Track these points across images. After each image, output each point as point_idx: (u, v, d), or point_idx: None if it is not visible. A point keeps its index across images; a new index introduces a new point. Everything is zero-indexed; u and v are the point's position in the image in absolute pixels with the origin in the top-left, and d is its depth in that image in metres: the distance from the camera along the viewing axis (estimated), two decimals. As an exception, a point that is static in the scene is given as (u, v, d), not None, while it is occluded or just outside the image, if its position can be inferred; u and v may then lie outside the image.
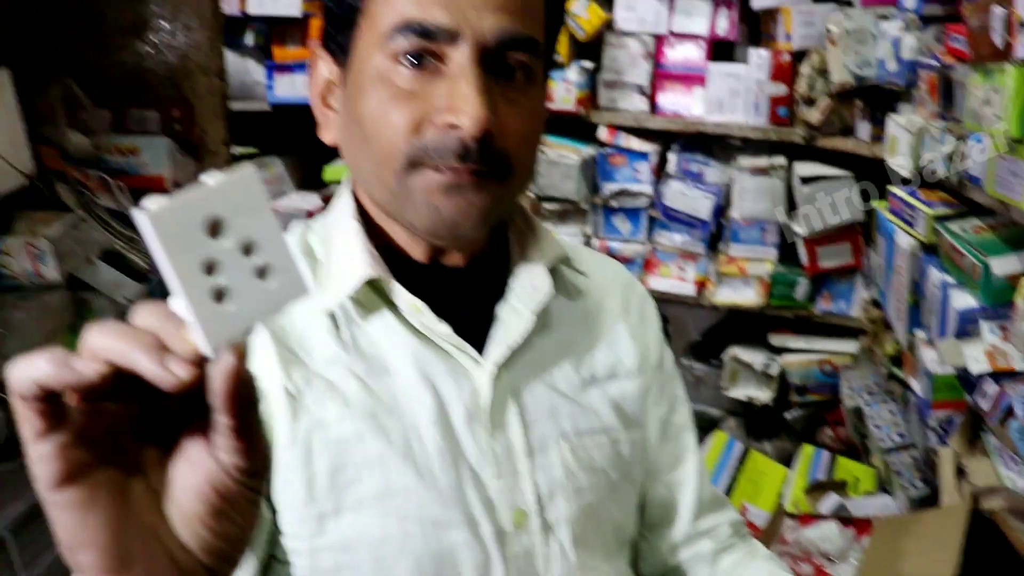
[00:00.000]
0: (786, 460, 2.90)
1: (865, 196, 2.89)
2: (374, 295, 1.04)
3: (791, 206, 3.07)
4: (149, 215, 0.53)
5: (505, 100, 0.98)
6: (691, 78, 3.19)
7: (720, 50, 3.23)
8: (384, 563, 0.99)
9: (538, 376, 1.09)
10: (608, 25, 3.19)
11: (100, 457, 0.59)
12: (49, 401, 0.56)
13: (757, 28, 3.22)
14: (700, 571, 1.23)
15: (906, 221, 2.24)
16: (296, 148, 3.64)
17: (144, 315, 0.58)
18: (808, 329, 3.21)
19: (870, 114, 2.73)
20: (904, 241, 2.24)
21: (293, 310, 0.99)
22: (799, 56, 3.00)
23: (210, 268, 0.55)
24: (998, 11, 1.62)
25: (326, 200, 3.25)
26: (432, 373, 1.03)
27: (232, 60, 2.08)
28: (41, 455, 0.57)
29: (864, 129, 2.76)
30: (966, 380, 1.93)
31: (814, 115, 2.86)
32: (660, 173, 3.25)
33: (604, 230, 3.33)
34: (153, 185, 1.77)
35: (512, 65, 0.99)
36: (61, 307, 1.50)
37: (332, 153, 3.16)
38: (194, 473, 0.60)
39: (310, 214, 3.12)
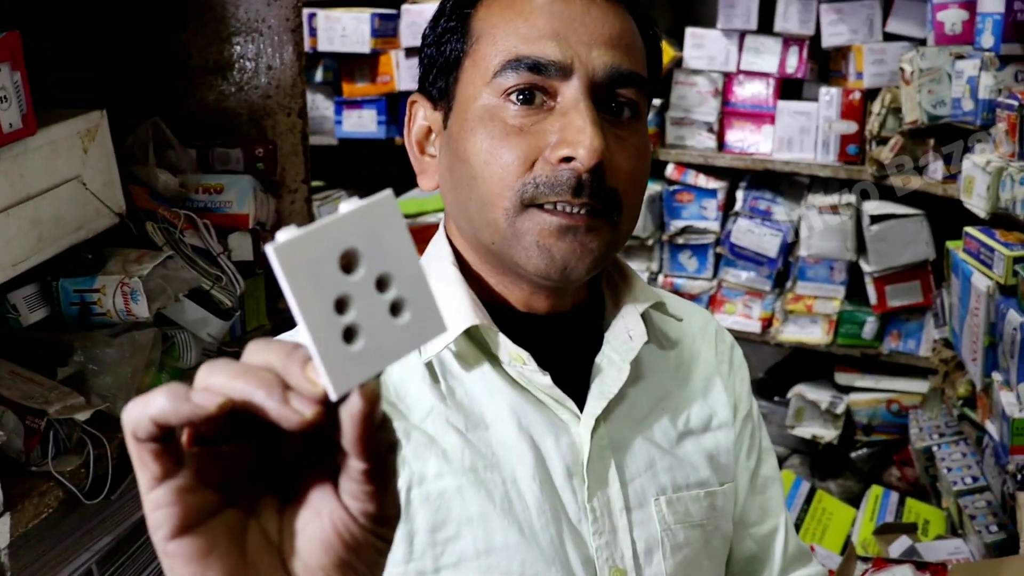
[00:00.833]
0: (851, 500, 2.87)
1: (936, 235, 2.86)
2: (471, 345, 1.03)
3: (860, 244, 3.05)
4: (276, 248, 0.50)
5: (614, 138, 0.99)
6: (760, 116, 3.19)
7: (789, 88, 3.23)
8: None
9: (635, 428, 1.07)
10: (677, 63, 3.20)
11: (218, 505, 0.56)
12: (166, 442, 0.53)
13: (826, 66, 3.21)
14: None
15: (983, 262, 2.22)
16: (362, 182, 3.69)
17: (262, 352, 0.55)
18: (875, 368, 3.18)
19: (942, 153, 2.70)
20: (981, 282, 2.21)
21: None
22: (869, 94, 3.00)
23: (340, 305, 0.52)
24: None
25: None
26: (530, 426, 1.01)
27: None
28: (158, 502, 0.54)
29: (936, 168, 2.73)
30: (1047, 425, 1.90)
31: (885, 153, 2.84)
32: (727, 210, 3.25)
33: (670, 267, 3.33)
34: (238, 223, 1.79)
35: (620, 102, 1.00)
36: (149, 344, 1.53)
37: (399, 188, 3.19)
38: (319, 521, 0.57)
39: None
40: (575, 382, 1.05)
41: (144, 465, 0.54)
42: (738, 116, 3.22)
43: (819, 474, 3.17)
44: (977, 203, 2.22)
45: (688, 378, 1.15)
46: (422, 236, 1.03)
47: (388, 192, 0.54)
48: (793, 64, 3.11)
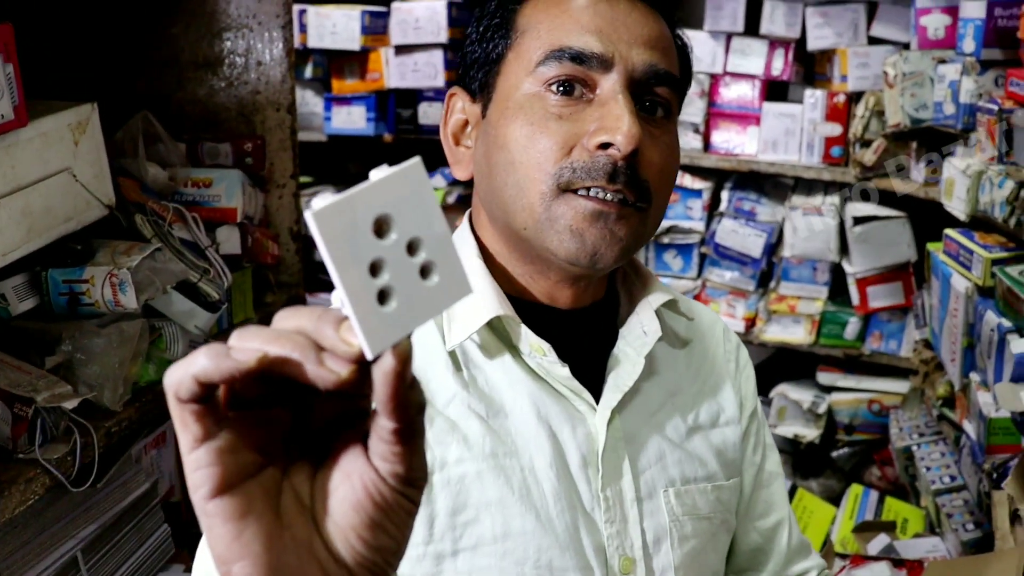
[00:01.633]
0: (832, 499, 2.90)
1: (918, 237, 2.89)
2: (493, 336, 1.06)
3: (843, 245, 3.08)
4: (315, 214, 0.52)
5: (648, 134, 1.02)
6: (745, 117, 3.22)
7: (775, 90, 3.26)
8: None
9: (647, 422, 1.10)
10: (663, 63, 3.22)
11: (255, 467, 0.58)
12: (207, 402, 0.55)
13: (812, 69, 3.24)
14: None
15: (962, 264, 2.24)
16: (351, 179, 3.71)
17: (292, 317, 0.57)
18: (857, 368, 3.22)
19: (924, 156, 2.73)
20: (960, 284, 2.24)
21: (416, 347, 1.03)
22: (854, 97, 3.03)
23: (375, 268, 0.54)
24: (1060, 60, 1.64)
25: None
26: (549, 416, 1.04)
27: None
28: (199, 462, 0.56)
29: (919, 170, 2.76)
30: (1022, 424, 1.93)
31: (868, 156, 2.87)
32: (712, 210, 3.28)
33: (656, 266, 3.36)
34: (226, 217, 1.81)
35: (656, 100, 1.04)
36: (136, 335, 1.54)
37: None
38: (350, 483, 0.58)
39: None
40: (592, 375, 1.08)
41: (186, 426, 0.56)
42: (724, 117, 3.25)
43: (801, 473, 3.20)
44: (957, 206, 2.24)
45: (698, 375, 1.19)
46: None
47: (417, 159, 0.56)
48: (779, 66, 3.14)
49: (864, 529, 2.49)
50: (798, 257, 3.14)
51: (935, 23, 2.68)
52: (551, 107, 1.02)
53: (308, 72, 3.63)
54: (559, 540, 1.01)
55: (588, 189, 1.00)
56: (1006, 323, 2.00)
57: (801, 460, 3.23)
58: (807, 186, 3.20)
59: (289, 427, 0.59)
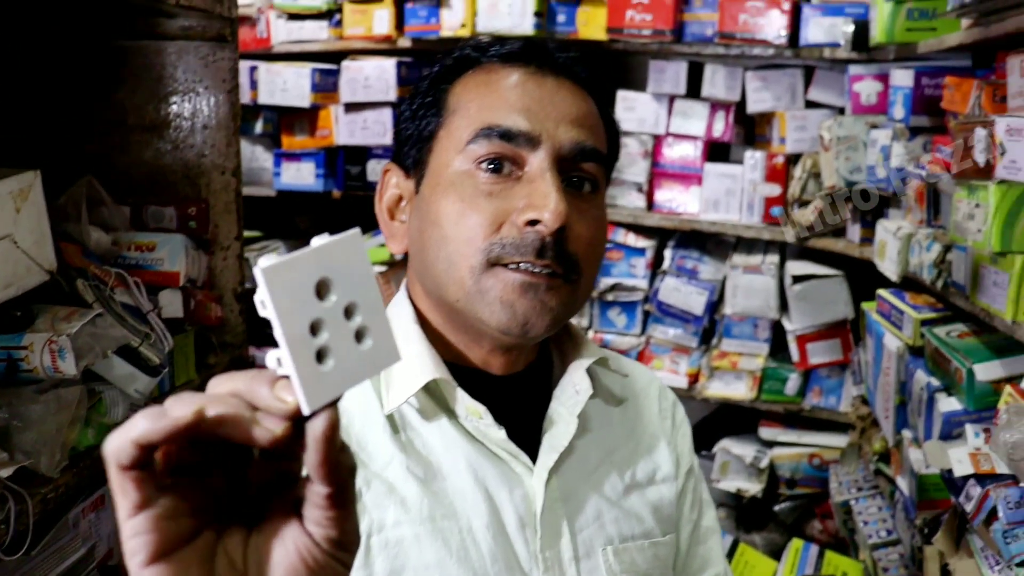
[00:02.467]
0: (775, 552, 2.93)
1: (855, 295, 2.96)
2: (430, 400, 1.09)
3: (783, 303, 3.13)
4: (263, 271, 0.55)
5: (575, 208, 1.06)
6: (688, 177, 3.27)
7: (717, 151, 3.32)
8: None
9: (585, 481, 1.13)
10: (608, 124, 3.27)
11: (191, 533, 0.60)
12: (146, 468, 0.57)
13: (752, 131, 3.31)
14: None
15: (894, 323, 2.30)
16: (300, 234, 3.72)
17: (225, 382, 0.59)
18: (798, 423, 3.26)
19: (860, 217, 2.80)
20: (892, 343, 2.30)
21: (352, 412, 1.05)
22: (793, 159, 3.10)
23: (315, 328, 0.57)
24: (981, 132, 1.70)
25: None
26: (486, 479, 1.06)
27: (242, 147, 2.16)
28: (137, 529, 0.58)
29: (854, 231, 2.83)
30: (951, 481, 1.97)
31: (806, 216, 2.94)
32: (656, 268, 3.33)
33: (600, 323, 3.39)
34: (169, 281, 1.82)
35: (583, 176, 1.08)
36: (75, 401, 1.54)
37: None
38: (283, 548, 0.61)
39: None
40: (528, 437, 1.11)
41: (125, 493, 0.58)
42: (667, 177, 3.30)
43: (744, 527, 3.23)
44: (889, 267, 2.30)
45: (633, 433, 1.22)
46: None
47: (356, 230, 0.60)
48: (720, 128, 3.21)
49: (804, 584, 2.52)
50: (739, 314, 3.19)
51: (867, 89, 2.77)
52: (481, 184, 1.05)
53: (258, 128, 3.66)
54: None
55: (518, 264, 1.03)
56: (935, 382, 2.06)
57: (744, 514, 3.26)
58: (748, 245, 3.26)
59: (224, 492, 0.61)
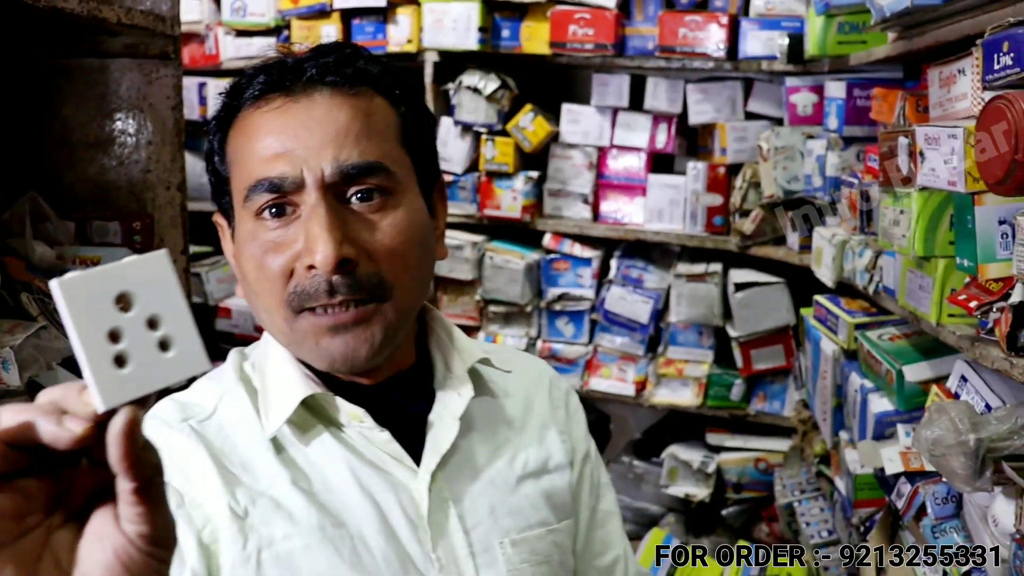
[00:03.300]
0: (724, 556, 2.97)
1: (796, 302, 3.01)
2: (311, 415, 1.10)
3: (727, 311, 3.19)
4: (60, 282, 0.60)
5: (366, 225, 1.05)
6: (632, 188, 3.32)
7: (660, 162, 3.36)
8: None
9: (474, 478, 1.14)
10: (554, 137, 3.33)
11: (12, 536, 0.62)
12: None
13: (695, 142, 3.37)
14: None
15: (830, 328, 2.36)
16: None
17: (47, 392, 0.63)
18: (743, 428, 3.31)
19: (799, 225, 2.85)
20: (828, 347, 2.35)
21: (235, 438, 1.06)
22: (734, 169, 3.15)
23: (114, 336, 0.62)
24: (903, 141, 1.76)
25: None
26: (371, 486, 1.08)
27: (190, 162, 2.17)
28: None
29: (794, 239, 2.89)
30: (884, 480, 2.02)
31: (747, 225, 2.99)
32: (602, 278, 3.36)
33: (548, 332, 3.42)
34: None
35: (368, 188, 1.05)
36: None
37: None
38: (101, 547, 0.63)
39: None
40: (414, 440, 1.12)
41: None
42: (612, 188, 3.34)
43: (693, 531, 3.27)
44: (825, 273, 2.37)
45: (524, 425, 1.23)
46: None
47: (164, 251, 0.66)
48: (662, 140, 3.26)
49: (748, 586, 2.57)
50: (684, 322, 3.23)
51: (804, 101, 2.84)
52: (268, 234, 1.05)
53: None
54: None
55: (317, 307, 1.04)
56: (868, 384, 2.11)
57: (693, 519, 3.30)
58: (691, 254, 3.31)
59: (51, 497, 0.64)
